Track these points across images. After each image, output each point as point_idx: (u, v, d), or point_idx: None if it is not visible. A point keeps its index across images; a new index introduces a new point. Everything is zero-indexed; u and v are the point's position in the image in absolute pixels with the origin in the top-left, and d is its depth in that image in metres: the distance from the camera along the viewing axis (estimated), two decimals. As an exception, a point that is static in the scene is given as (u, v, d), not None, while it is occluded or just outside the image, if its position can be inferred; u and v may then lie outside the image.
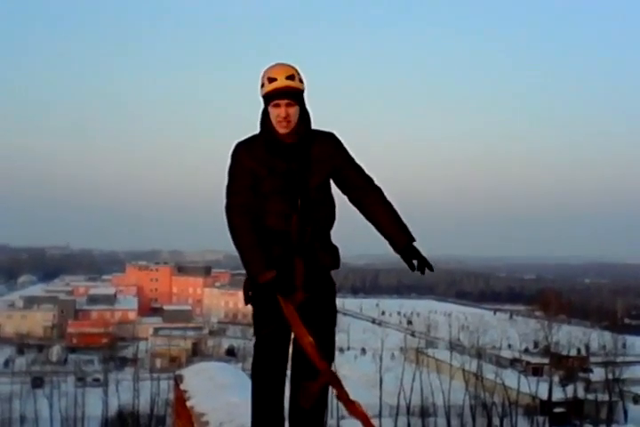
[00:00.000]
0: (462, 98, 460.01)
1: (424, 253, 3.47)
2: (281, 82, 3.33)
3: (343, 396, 3.21)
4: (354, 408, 3.19)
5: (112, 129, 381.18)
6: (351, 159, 3.53)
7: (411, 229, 3.50)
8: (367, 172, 3.56)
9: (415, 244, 3.49)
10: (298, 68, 3.41)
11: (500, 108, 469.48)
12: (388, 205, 3.51)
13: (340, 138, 3.55)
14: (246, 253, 3.35)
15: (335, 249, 3.58)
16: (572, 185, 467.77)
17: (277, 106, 3.36)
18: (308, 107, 3.47)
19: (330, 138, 3.52)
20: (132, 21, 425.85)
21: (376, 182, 3.55)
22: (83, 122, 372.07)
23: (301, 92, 3.41)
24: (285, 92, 3.34)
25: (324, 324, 3.48)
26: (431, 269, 3.47)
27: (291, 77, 3.35)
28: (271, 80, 3.34)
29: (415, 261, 3.46)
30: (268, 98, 3.37)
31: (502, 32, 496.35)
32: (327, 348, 3.42)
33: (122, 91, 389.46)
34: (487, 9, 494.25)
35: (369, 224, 3.51)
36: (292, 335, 3.39)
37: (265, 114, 3.45)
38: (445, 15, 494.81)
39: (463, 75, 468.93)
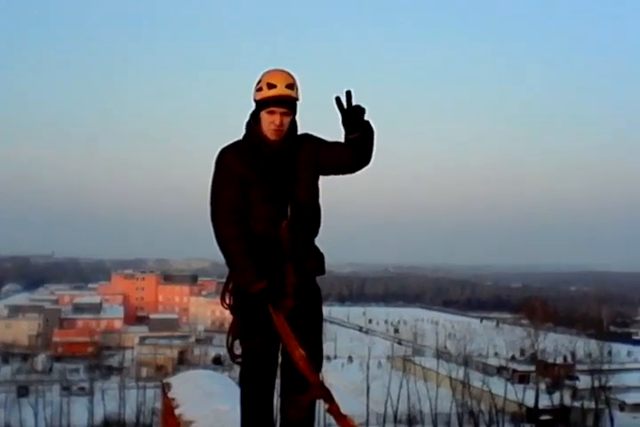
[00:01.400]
0: (454, 107, 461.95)
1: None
2: (281, 90, 3.31)
3: (335, 410, 3.20)
4: (345, 423, 3.18)
5: (97, 136, 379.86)
6: (328, 141, 3.49)
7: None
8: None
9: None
10: (296, 76, 3.39)
11: (492, 118, 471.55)
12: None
13: (314, 134, 3.53)
14: (236, 263, 3.33)
15: (321, 255, 3.57)
16: (557, 194, 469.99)
17: (273, 113, 3.34)
18: (297, 117, 3.46)
19: (308, 139, 3.51)
20: (129, 26, 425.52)
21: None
22: (67, 128, 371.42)
23: (297, 102, 3.40)
24: (284, 101, 3.33)
25: (312, 330, 3.49)
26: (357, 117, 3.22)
27: (290, 86, 3.33)
28: (271, 86, 3.31)
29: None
30: (265, 104, 3.34)
31: (502, 35, 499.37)
32: (316, 356, 3.42)
33: (109, 97, 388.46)
34: (487, 11, 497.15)
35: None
36: (281, 344, 3.38)
37: (255, 118, 3.44)
38: (446, 18, 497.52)
39: (460, 81, 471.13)
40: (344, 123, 3.23)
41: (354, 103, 3.19)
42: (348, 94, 3.15)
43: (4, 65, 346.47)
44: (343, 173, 3.48)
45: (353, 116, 3.20)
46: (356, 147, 3.30)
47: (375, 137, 3.32)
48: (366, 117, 3.24)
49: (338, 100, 3.16)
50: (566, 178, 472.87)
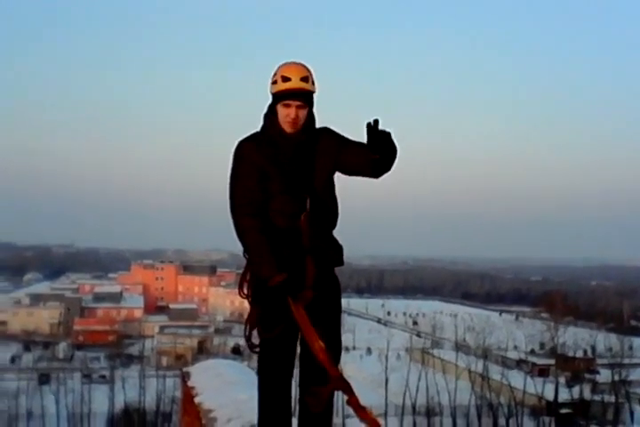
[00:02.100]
0: (464, 101, 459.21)
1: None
2: (295, 83, 3.32)
3: (354, 402, 3.20)
4: (364, 415, 3.18)
5: (117, 128, 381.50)
6: (349, 140, 3.49)
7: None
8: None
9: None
10: (311, 69, 3.40)
11: (505, 109, 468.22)
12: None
13: (334, 129, 3.54)
14: (256, 255, 3.34)
15: (340, 246, 3.59)
16: (578, 187, 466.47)
17: (288, 106, 3.36)
18: (314, 109, 3.47)
19: (328, 133, 3.52)
20: (134, 21, 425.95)
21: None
22: (88, 120, 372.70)
23: (313, 94, 3.42)
24: (298, 94, 3.34)
25: (330, 322, 3.50)
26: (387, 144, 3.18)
27: (305, 79, 3.35)
28: (285, 79, 3.33)
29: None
30: (280, 97, 3.37)
31: (502, 34, 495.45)
32: (335, 347, 3.44)
33: (127, 90, 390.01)
34: (489, 10, 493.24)
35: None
36: (300, 335, 3.39)
37: (272, 110, 3.45)
38: (448, 16, 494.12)
39: (460, 77, 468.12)
40: (369, 144, 3.18)
41: (380, 128, 3.15)
42: (376, 122, 3.13)
43: (10, 58, 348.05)
44: (363, 176, 3.46)
45: (378, 140, 3.15)
46: (377, 163, 3.30)
47: (397, 154, 3.29)
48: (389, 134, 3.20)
49: (369, 125, 3.13)
50: (586, 171, 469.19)
